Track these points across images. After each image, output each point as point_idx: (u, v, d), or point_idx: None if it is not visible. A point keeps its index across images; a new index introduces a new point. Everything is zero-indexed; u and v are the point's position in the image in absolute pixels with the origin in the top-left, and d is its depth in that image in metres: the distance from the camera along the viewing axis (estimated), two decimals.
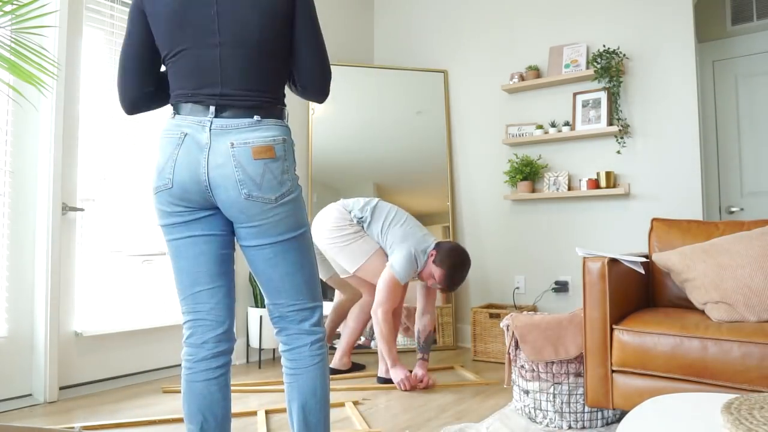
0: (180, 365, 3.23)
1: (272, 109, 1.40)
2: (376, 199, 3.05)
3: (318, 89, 1.48)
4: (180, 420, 2.31)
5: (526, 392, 2.26)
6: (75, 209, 2.76)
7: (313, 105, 3.82)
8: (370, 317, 3.16)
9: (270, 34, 1.37)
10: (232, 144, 1.33)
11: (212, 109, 1.34)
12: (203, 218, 1.39)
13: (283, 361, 1.46)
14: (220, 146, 1.33)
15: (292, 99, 3.74)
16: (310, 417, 1.41)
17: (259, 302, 3.41)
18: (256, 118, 1.36)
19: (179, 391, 2.75)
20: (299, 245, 1.42)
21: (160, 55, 1.42)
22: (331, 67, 3.87)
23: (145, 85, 1.42)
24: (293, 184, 1.39)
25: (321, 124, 3.80)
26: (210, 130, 1.33)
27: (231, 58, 1.34)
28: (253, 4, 1.35)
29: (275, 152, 1.35)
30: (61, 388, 2.70)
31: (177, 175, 1.34)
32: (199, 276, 1.40)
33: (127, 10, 3.05)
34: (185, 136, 1.34)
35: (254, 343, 3.35)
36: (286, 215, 1.38)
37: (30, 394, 2.61)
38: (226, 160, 1.32)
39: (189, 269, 1.40)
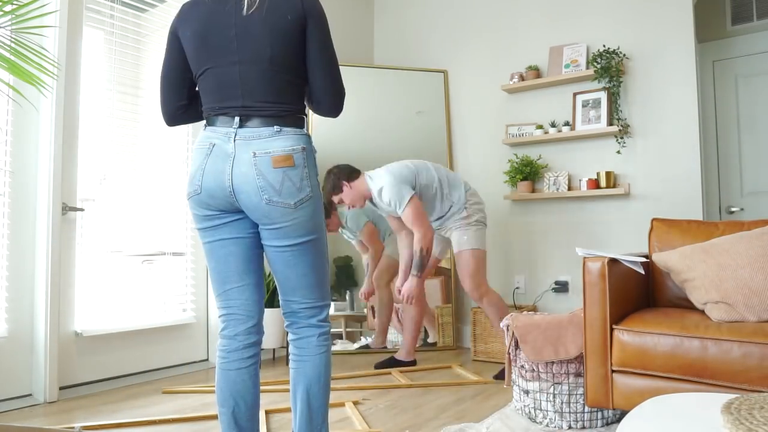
0: (179, 365, 3.23)
1: (291, 118, 1.50)
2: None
3: (330, 106, 1.58)
4: (180, 420, 2.31)
5: (526, 392, 2.26)
6: (75, 209, 2.76)
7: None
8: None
9: (281, 50, 1.47)
10: (255, 153, 1.44)
11: (237, 119, 1.47)
12: (231, 222, 1.53)
13: (291, 350, 1.59)
14: (243, 155, 1.45)
15: None
16: (313, 401, 1.54)
17: None
18: (276, 128, 1.47)
19: (179, 392, 2.75)
20: (315, 248, 1.54)
21: (192, 74, 1.56)
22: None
23: (179, 100, 1.59)
24: (313, 190, 1.50)
25: (321, 125, 3.80)
26: (234, 140, 1.46)
27: (248, 74, 1.46)
28: (264, 24, 1.45)
29: (294, 161, 1.46)
30: (61, 388, 2.70)
31: (205, 183, 1.47)
32: (229, 275, 1.55)
33: (127, 10, 3.08)
34: (213, 146, 1.47)
35: None
36: (305, 219, 1.49)
37: (30, 394, 2.61)
38: (248, 169, 1.44)
39: (220, 269, 1.55)
